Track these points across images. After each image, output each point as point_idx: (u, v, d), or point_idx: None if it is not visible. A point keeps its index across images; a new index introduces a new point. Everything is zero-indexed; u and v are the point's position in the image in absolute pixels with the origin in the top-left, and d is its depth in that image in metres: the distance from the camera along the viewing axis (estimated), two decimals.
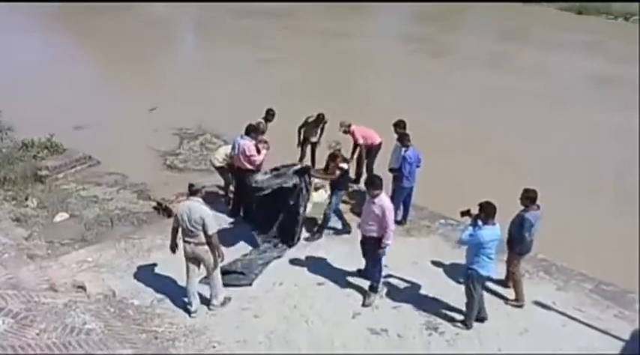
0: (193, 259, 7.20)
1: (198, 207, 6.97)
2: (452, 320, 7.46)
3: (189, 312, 7.37)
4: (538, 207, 7.45)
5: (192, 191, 7.11)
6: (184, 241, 7.14)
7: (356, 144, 10.66)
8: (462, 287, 7.98)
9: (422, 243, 9.19)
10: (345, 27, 24.18)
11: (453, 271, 8.40)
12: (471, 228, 6.93)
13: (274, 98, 12.71)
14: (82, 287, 7.59)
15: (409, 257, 8.74)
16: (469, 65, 20.26)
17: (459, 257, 8.74)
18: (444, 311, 7.62)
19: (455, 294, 7.88)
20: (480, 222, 6.91)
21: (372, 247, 7.59)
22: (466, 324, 7.34)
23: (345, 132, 10.49)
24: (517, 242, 7.55)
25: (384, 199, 7.42)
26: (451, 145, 12.80)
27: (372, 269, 7.76)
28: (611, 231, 9.96)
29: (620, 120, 15.21)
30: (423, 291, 7.99)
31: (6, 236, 8.88)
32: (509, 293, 7.90)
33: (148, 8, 26.49)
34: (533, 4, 29.94)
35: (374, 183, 7.48)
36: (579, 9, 29.11)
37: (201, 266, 7.29)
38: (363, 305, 7.68)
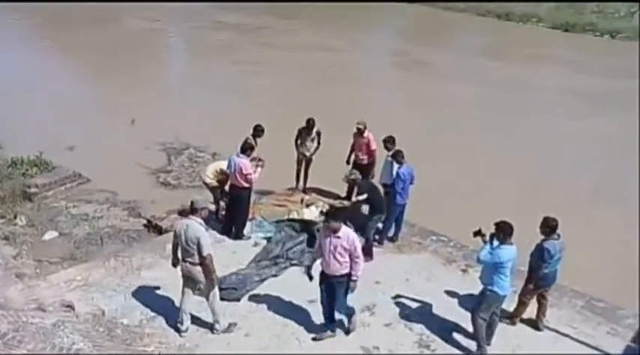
0: (189, 279, 7.12)
1: (195, 226, 6.85)
2: (444, 339, 7.42)
3: (179, 331, 7.29)
4: (559, 236, 7.18)
5: (193, 209, 6.99)
6: (182, 260, 7.07)
7: (353, 148, 10.62)
8: (454, 303, 8.02)
9: (413, 259, 9.18)
10: (324, 42, 24.74)
11: (444, 288, 8.40)
12: (488, 246, 6.76)
13: (257, 111, 12.92)
14: (71, 307, 7.50)
15: (401, 274, 8.73)
16: (453, 80, 20.52)
17: (451, 273, 8.81)
18: (436, 328, 7.59)
19: (447, 311, 7.87)
20: (496, 242, 6.75)
21: (343, 284, 7.02)
22: (481, 351, 7.12)
23: (360, 131, 10.36)
24: (534, 273, 7.27)
25: (349, 231, 6.91)
26: (438, 159, 12.86)
27: (343, 302, 7.20)
28: (601, 246, 10.00)
29: (604, 130, 15.64)
30: (414, 309, 7.96)
31: None
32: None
33: (127, 23, 27.00)
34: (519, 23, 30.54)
35: (336, 216, 6.94)
36: (566, 27, 29.64)
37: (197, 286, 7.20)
38: (347, 333, 7.42)
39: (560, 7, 32.41)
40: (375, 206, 9.00)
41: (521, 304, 7.58)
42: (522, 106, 17.76)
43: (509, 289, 7.02)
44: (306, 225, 9.51)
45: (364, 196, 8.99)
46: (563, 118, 16.79)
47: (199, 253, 6.83)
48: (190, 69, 22.34)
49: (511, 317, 7.67)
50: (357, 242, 6.93)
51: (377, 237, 9.36)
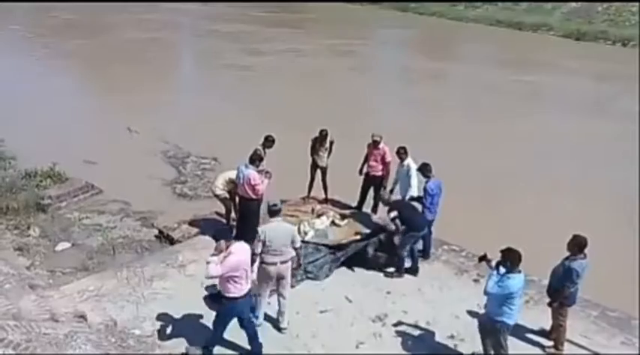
0: (274, 278, 7.30)
1: (285, 225, 7.26)
2: (457, 350, 7.36)
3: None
4: (585, 256, 6.93)
5: (275, 211, 7.22)
6: (268, 263, 7.17)
7: (366, 160, 10.52)
8: (467, 314, 7.96)
9: (425, 269, 9.11)
10: (313, 48, 25.61)
11: (456, 299, 8.36)
12: (494, 277, 6.39)
13: (247, 115, 13.06)
14: (84, 317, 7.52)
15: (413, 284, 8.70)
16: (467, 90, 20.55)
17: (463, 283, 8.76)
18: (447, 340, 7.54)
19: (459, 322, 7.82)
20: (503, 270, 6.39)
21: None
22: None
23: (376, 142, 10.20)
24: (558, 292, 7.06)
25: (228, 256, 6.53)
26: (446, 168, 12.80)
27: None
28: (613, 254, 9.87)
29: (610, 135, 15.83)
30: (426, 320, 7.90)
31: (7, 265, 8.84)
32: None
33: (125, 33, 28.06)
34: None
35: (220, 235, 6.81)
36: (577, 35, 29.63)
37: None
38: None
39: (570, 15, 32.44)
40: (411, 224, 8.69)
41: (559, 327, 7.29)
42: (529, 113, 17.82)
43: (517, 317, 6.68)
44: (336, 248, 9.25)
45: (394, 213, 8.71)
46: (569, 125, 16.81)
47: (294, 247, 7.23)
48: (187, 76, 23.20)
49: (556, 346, 7.34)
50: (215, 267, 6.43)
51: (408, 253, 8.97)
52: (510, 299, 6.39)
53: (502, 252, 6.47)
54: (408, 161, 9.71)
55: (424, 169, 9.06)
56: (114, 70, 21.21)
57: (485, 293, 6.50)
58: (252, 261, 7.06)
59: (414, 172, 9.56)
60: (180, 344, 7.31)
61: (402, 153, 9.73)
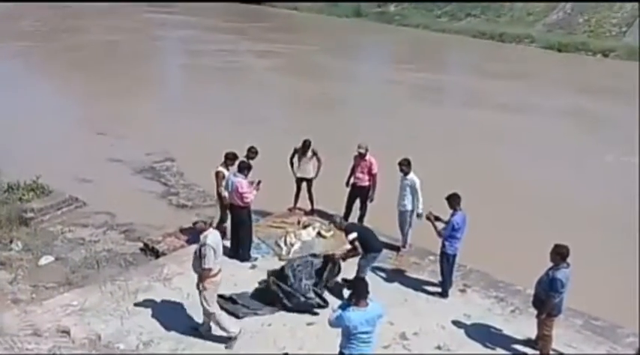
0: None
1: (217, 233, 7.38)
2: None
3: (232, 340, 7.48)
4: (568, 265, 6.95)
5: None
6: (218, 272, 7.26)
7: (353, 171, 10.49)
8: (453, 324, 7.97)
9: (411, 280, 9.12)
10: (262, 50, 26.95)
11: (442, 309, 8.39)
12: (339, 310, 6.00)
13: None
14: (67, 332, 7.45)
15: (399, 294, 8.70)
16: (450, 101, 20.84)
17: (449, 294, 8.77)
18: (435, 350, 7.53)
19: (445, 332, 7.84)
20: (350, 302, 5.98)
21: None
22: None
23: (361, 154, 10.16)
24: (544, 303, 7.06)
25: None
26: (430, 179, 12.90)
27: None
28: (597, 262, 9.98)
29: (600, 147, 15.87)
30: (413, 330, 7.89)
31: None
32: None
33: (86, 37, 29.26)
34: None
35: None
36: (559, 47, 30.09)
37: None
38: None
39: (552, 27, 32.99)
40: (368, 245, 8.31)
41: (546, 337, 7.27)
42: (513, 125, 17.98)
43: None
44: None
45: (353, 235, 8.25)
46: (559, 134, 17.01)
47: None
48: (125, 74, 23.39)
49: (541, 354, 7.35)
50: None
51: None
52: (354, 334, 5.89)
53: (352, 282, 6.66)
54: (412, 175, 9.53)
55: (453, 201, 8.33)
56: (65, 72, 22.01)
57: (328, 323, 6.16)
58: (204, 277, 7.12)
59: (419, 187, 9.44)
60: None
61: (404, 165, 9.47)
